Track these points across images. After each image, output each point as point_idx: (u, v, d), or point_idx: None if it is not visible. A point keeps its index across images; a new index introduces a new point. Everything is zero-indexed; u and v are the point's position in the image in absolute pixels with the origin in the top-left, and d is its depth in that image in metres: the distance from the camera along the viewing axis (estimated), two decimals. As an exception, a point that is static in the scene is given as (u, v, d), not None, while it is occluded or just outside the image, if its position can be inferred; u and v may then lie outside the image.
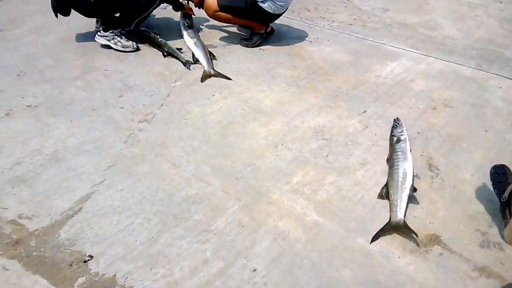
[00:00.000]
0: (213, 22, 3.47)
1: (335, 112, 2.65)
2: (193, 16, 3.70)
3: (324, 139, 2.40)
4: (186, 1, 3.72)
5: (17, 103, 2.63)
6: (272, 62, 3.26)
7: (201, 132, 2.43)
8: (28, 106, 2.61)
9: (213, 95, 2.80)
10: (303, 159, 2.24)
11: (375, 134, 2.44)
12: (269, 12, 3.27)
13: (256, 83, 2.96)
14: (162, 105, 2.68)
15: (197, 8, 3.62)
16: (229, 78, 3.02)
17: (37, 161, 2.14)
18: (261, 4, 3.23)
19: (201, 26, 3.86)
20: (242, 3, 3.26)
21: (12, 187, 1.98)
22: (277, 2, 3.23)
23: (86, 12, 3.25)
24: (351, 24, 4.01)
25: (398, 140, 2.20)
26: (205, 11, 3.44)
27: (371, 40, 3.68)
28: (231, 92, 2.84)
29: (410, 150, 2.15)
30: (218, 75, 3.06)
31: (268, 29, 3.51)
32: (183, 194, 1.98)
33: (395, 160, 2.07)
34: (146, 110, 2.61)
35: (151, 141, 2.34)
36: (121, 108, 2.62)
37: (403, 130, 2.28)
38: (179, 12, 3.62)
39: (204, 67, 3.13)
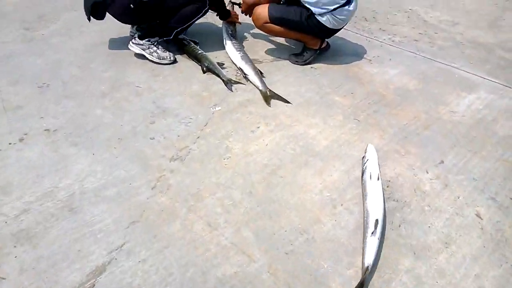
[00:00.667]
0: (258, 31, 3.03)
1: (405, 161, 2.19)
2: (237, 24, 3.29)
3: (394, 200, 1.95)
4: (231, 7, 3.31)
5: (35, 124, 2.30)
6: (326, 85, 2.81)
7: (243, 179, 2.02)
8: (46, 130, 2.27)
9: (258, 127, 2.39)
10: (368, 227, 1.80)
11: (458, 197, 1.97)
12: (327, 26, 2.81)
13: (308, 113, 2.52)
14: (198, 137, 2.29)
15: (243, 14, 3.20)
16: (288, 102, 2.61)
17: (48, 209, 1.80)
18: (318, 18, 2.77)
19: (245, 34, 3.43)
20: (297, 15, 2.81)
21: (15, 246, 1.64)
22: (337, 16, 2.76)
23: (123, 18, 2.89)
24: (416, 40, 3.48)
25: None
26: (253, 21, 3.00)
27: (440, 62, 3.16)
28: (278, 124, 2.41)
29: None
30: (275, 96, 2.64)
31: (324, 45, 3.05)
32: (219, 273, 1.59)
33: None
34: (180, 144, 2.22)
35: (184, 187, 1.96)
36: (151, 139, 2.25)
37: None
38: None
39: (258, 87, 2.72)
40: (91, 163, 2.06)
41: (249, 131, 2.36)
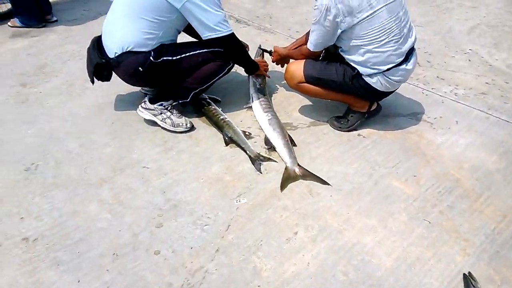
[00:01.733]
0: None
1: (504, 296, 1.56)
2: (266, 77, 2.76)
3: None
4: (261, 54, 2.78)
5: (12, 229, 1.82)
6: (379, 163, 2.21)
7: (279, 330, 1.44)
8: (24, 238, 1.77)
9: (296, 233, 1.82)
10: None
11: None
12: (377, 89, 2.23)
13: (360, 208, 1.94)
14: (217, 250, 1.73)
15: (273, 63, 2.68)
16: (326, 183, 2.06)
17: None
18: (367, 79, 2.20)
19: (276, 88, 2.89)
20: (339, 75, 2.25)
21: None
22: (390, 77, 2.19)
23: (131, 81, 2.43)
24: (484, 94, 2.85)
25: None
26: (285, 79, 2.46)
27: (522, 126, 2.51)
28: (323, 228, 1.84)
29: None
30: (308, 176, 2.08)
31: (374, 107, 2.46)
32: None
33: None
34: (193, 264, 1.67)
35: None
36: (156, 254, 1.71)
37: None
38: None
39: (285, 162, 2.16)
40: (74, 300, 1.53)
41: (284, 239, 1.79)
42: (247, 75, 2.72)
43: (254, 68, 2.58)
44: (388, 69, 2.14)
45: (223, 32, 2.16)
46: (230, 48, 2.32)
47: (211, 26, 2.13)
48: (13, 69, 3.04)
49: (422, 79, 3.02)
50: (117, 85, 2.54)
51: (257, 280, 1.62)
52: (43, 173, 2.12)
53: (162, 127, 2.44)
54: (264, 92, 2.69)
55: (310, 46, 2.21)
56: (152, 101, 2.42)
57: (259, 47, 2.88)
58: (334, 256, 1.72)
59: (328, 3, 1.96)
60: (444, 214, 1.92)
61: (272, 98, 2.77)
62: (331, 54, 2.33)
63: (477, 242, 1.78)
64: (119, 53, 2.21)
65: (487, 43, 3.57)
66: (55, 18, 3.79)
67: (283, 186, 2.05)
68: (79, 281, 1.60)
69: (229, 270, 1.65)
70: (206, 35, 2.17)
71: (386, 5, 2.00)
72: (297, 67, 2.33)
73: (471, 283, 1.57)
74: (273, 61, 2.72)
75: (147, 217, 1.89)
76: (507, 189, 2.06)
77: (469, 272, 1.63)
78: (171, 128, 2.42)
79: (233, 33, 2.22)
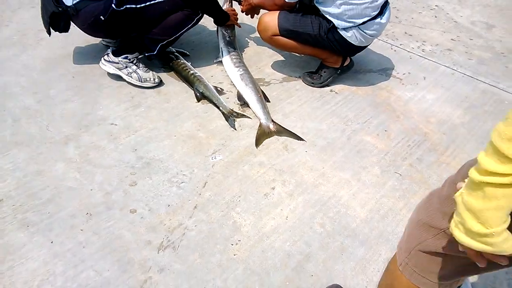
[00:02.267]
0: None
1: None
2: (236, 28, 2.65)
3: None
4: (229, 3, 2.64)
5: (-28, 192, 1.68)
6: (351, 119, 2.23)
7: (260, 281, 1.47)
8: (-13, 201, 1.65)
9: (273, 188, 1.82)
10: None
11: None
12: (352, 43, 2.21)
13: (334, 164, 1.96)
14: (195, 207, 1.71)
15: (243, 14, 2.57)
16: (300, 139, 2.06)
17: None
18: (342, 32, 2.17)
19: (247, 41, 2.80)
20: (315, 28, 2.20)
21: None
22: (365, 31, 2.17)
23: (92, 32, 2.24)
24: (450, 50, 2.91)
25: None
26: (258, 31, 2.38)
27: (484, 82, 2.61)
28: (299, 183, 1.85)
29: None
30: (283, 132, 2.07)
31: (346, 63, 2.44)
32: None
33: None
34: (172, 221, 1.65)
35: (180, 300, 1.40)
36: (132, 212, 1.66)
37: None
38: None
39: (259, 118, 2.13)
40: (48, 259, 1.47)
41: (262, 194, 1.79)
42: (216, 26, 2.60)
43: (224, 18, 2.47)
44: (363, 23, 2.11)
45: None
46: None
47: None
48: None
49: (391, 35, 3.03)
50: (75, 36, 2.36)
51: (237, 235, 1.62)
52: (0, 131, 1.97)
53: (128, 82, 2.31)
54: (234, 45, 2.60)
55: (285, -6, 2.12)
56: (115, 54, 2.27)
57: None
58: (311, 209, 1.74)
59: (307, -50, 1.87)
60: (414, 166, 1.98)
61: (243, 52, 2.68)
62: (306, 6, 2.26)
63: (444, 192, 1.86)
64: (78, 0, 2.03)
65: (452, -1, 3.61)
66: (-3, -40, 3.39)
67: (258, 142, 2.03)
68: (52, 242, 1.53)
69: (208, 227, 1.64)
70: None
71: (364, -46, 1.94)
72: (271, 19, 2.25)
73: None
74: (242, 11, 2.59)
75: (119, 176, 1.81)
76: (471, 142, 2.15)
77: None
78: (138, 83, 2.30)
79: None
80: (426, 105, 2.38)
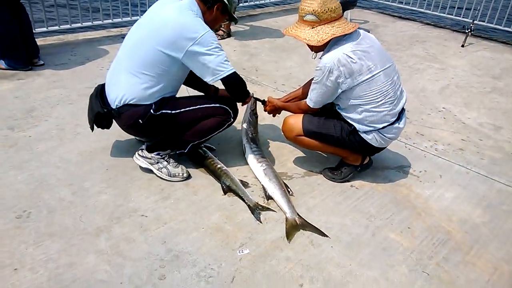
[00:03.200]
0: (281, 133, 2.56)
1: None
2: (257, 116, 2.80)
3: None
4: (253, 103, 2.80)
5: (5, 283, 1.70)
6: (374, 214, 2.29)
7: None
8: (18, 293, 1.66)
9: (301, 285, 1.82)
10: None
11: None
12: (372, 145, 2.34)
13: (361, 261, 1.97)
14: (224, 304, 1.69)
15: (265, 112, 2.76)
16: (324, 235, 2.10)
17: None
18: (363, 135, 2.32)
19: (268, 138, 2.96)
20: (337, 130, 2.36)
21: None
22: (385, 134, 2.32)
23: (131, 132, 2.44)
24: (462, 150, 3.05)
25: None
26: (283, 132, 2.54)
27: (498, 182, 2.69)
28: (327, 280, 1.85)
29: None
30: (307, 226, 2.11)
31: (366, 161, 2.57)
32: None
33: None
34: (201, 319, 1.62)
35: None
36: (161, 308, 1.65)
37: None
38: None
39: (285, 212, 2.19)
40: None
41: (291, 292, 1.78)
42: (242, 125, 2.78)
43: (246, 96, 2.49)
44: (383, 127, 2.27)
45: (225, 72, 2.15)
46: (234, 87, 2.28)
47: (214, 68, 2.13)
48: (0, 112, 2.97)
49: (404, 135, 3.19)
50: (109, 131, 2.52)
51: (267, 336, 1.58)
52: (36, 221, 2.04)
53: (158, 176, 2.42)
54: (257, 141, 2.75)
55: (310, 102, 2.32)
56: (149, 150, 2.42)
57: (252, 96, 2.91)
58: (342, 309, 1.72)
59: (331, 65, 2.10)
60: (441, 266, 1.98)
61: (267, 148, 2.83)
62: (327, 110, 2.45)
63: (474, 294, 1.85)
64: (121, 105, 2.23)
65: (458, 102, 3.86)
66: (42, 62, 3.77)
67: (289, 236, 2.07)
68: None
69: (238, 325, 1.62)
70: (209, 79, 2.16)
71: (383, 70, 2.17)
72: (296, 121, 2.43)
73: None
74: (265, 110, 2.78)
75: (148, 269, 1.83)
76: (494, 242, 2.17)
77: None
78: (168, 178, 2.41)
79: (235, 72, 2.20)
80: (446, 203, 2.44)
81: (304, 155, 2.80)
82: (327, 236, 2.09)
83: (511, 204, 2.48)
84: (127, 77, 2.20)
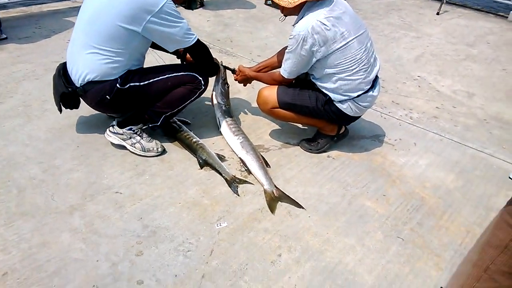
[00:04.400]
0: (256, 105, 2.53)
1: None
2: (229, 86, 2.73)
3: None
4: (223, 71, 2.71)
5: (-26, 265, 1.64)
6: (350, 183, 2.31)
7: None
8: (-10, 275, 1.61)
9: (279, 255, 1.83)
10: None
11: None
12: (348, 114, 2.34)
13: (338, 229, 1.99)
14: (203, 277, 1.70)
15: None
16: (300, 206, 2.10)
17: None
18: (338, 105, 2.30)
19: (242, 110, 2.92)
20: (312, 101, 2.34)
21: None
22: (360, 103, 2.31)
23: (100, 109, 2.35)
24: (436, 117, 3.09)
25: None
26: (258, 104, 2.51)
27: (471, 147, 2.75)
28: (305, 249, 1.87)
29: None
30: (284, 198, 2.12)
31: (342, 131, 2.57)
32: None
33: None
34: (180, 293, 1.62)
35: None
36: (139, 284, 1.64)
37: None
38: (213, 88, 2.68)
39: (262, 184, 2.18)
40: None
41: (269, 262, 1.79)
42: (211, 97, 2.70)
43: (216, 70, 2.55)
44: (358, 96, 2.26)
45: (190, 41, 2.12)
46: (200, 53, 2.25)
47: (177, 39, 2.08)
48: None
49: (379, 104, 3.21)
50: (81, 109, 2.43)
51: (246, 306, 1.60)
52: (6, 201, 1.97)
53: (132, 152, 2.36)
54: (230, 113, 2.70)
55: (284, 73, 2.28)
56: (120, 125, 2.34)
57: (221, 64, 2.80)
58: (319, 277, 1.75)
59: (305, 33, 2.05)
60: (415, 231, 2.03)
61: (243, 121, 2.79)
62: (302, 81, 2.41)
63: (447, 257, 1.90)
64: (84, 83, 2.14)
65: (433, 70, 3.89)
66: (4, 36, 3.58)
67: (271, 208, 2.07)
68: (57, 318, 1.49)
69: (217, 297, 1.62)
70: (173, 49, 2.16)
71: (356, 37, 2.14)
72: (270, 93, 2.39)
73: None
74: (235, 79, 2.70)
75: (125, 245, 1.81)
76: (467, 206, 2.23)
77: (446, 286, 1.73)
78: (142, 153, 2.36)
79: (198, 39, 2.17)
80: (420, 170, 2.48)
81: (281, 127, 2.78)
82: (303, 208, 2.10)
83: (484, 169, 2.54)
84: (86, 53, 2.08)
